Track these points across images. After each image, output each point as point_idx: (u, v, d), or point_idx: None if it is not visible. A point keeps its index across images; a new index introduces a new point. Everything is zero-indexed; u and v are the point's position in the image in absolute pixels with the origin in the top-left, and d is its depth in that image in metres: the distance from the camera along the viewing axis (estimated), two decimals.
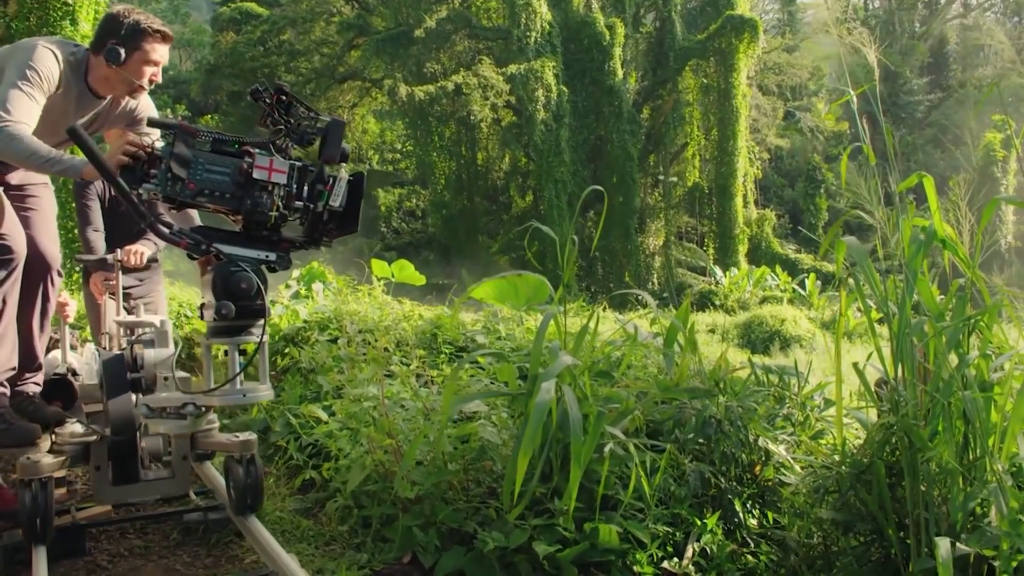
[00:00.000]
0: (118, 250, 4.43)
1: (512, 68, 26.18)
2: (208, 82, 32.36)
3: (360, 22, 29.79)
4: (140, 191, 2.60)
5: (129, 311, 4.44)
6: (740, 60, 29.87)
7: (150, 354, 3.05)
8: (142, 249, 4.52)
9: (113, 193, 4.83)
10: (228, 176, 2.60)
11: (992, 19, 46.56)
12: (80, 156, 2.89)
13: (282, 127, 2.66)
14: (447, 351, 5.78)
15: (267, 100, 2.62)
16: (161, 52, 3.22)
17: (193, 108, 32.34)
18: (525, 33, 26.62)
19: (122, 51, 3.09)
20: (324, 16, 31.10)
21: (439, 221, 29.76)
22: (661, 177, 32.47)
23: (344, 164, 2.79)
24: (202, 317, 2.78)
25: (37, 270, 3.37)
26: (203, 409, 2.91)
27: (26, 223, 3.34)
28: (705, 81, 30.96)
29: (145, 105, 3.54)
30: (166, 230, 2.58)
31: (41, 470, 2.97)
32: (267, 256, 2.69)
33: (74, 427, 3.24)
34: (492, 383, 4.38)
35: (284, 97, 2.63)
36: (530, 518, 3.19)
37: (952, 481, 2.74)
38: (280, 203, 2.64)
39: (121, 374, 3.14)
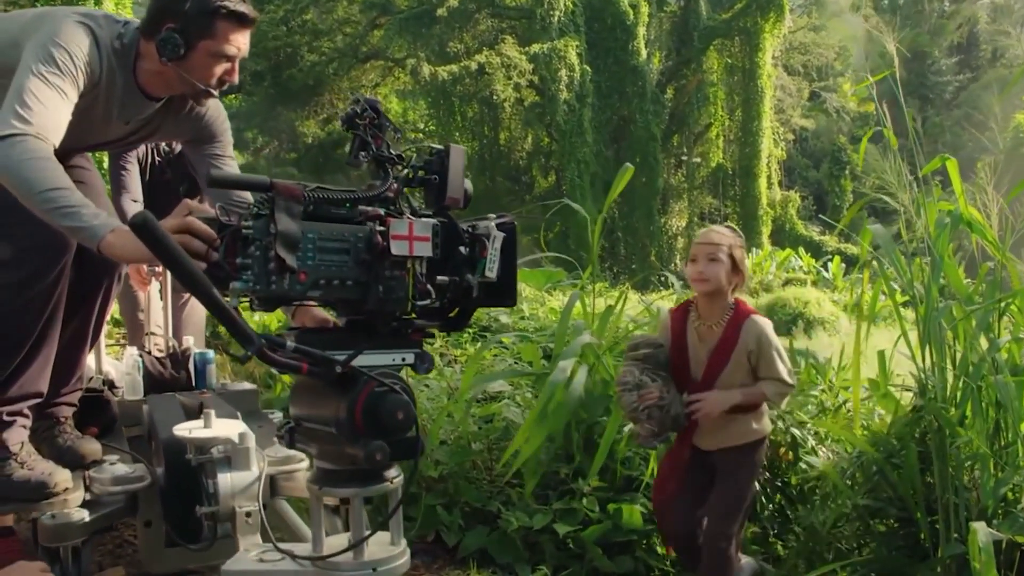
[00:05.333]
0: None
1: (535, 48, 26.01)
2: None
3: (383, 1, 29.67)
4: (227, 294, 1.66)
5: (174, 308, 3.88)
6: (765, 40, 29.54)
7: (226, 481, 2.15)
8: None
9: (158, 159, 4.12)
10: (348, 254, 1.72)
11: None
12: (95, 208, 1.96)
13: (403, 168, 1.84)
14: (470, 330, 5.78)
15: (363, 125, 1.79)
16: (239, 41, 2.29)
17: None
18: (548, 12, 26.43)
19: (182, 41, 2.19)
20: None
21: None
22: (684, 158, 32.27)
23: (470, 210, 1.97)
24: (291, 443, 1.88)
25: (97, 264, 2.46)
26: None
27: None
28: (730, 61, 30.65)
29: (216, 112, 2.56)
30: (277, 355, 1.62)
31: (72, 533, 2.24)
32: (403, 359, 1.85)
33: (115, 467, 2.39)
34: (516, 363, 4.39)
35: (376, 117, 1.81)
36: (553, 498, 3.19)
37: (983, 466, 2.72)
38: (423, 282, 1.79)
39: (173, 405, 2.58)
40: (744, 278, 2.81)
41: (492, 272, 1.85)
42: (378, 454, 1.69)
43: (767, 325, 2.75)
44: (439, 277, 1.82)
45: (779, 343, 2.75)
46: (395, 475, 1.85)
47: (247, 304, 1.71)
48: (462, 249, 1.84)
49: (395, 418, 1.70)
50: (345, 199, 1.76)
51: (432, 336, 1.96)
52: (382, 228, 1.73)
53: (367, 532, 1.82)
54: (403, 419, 1.71)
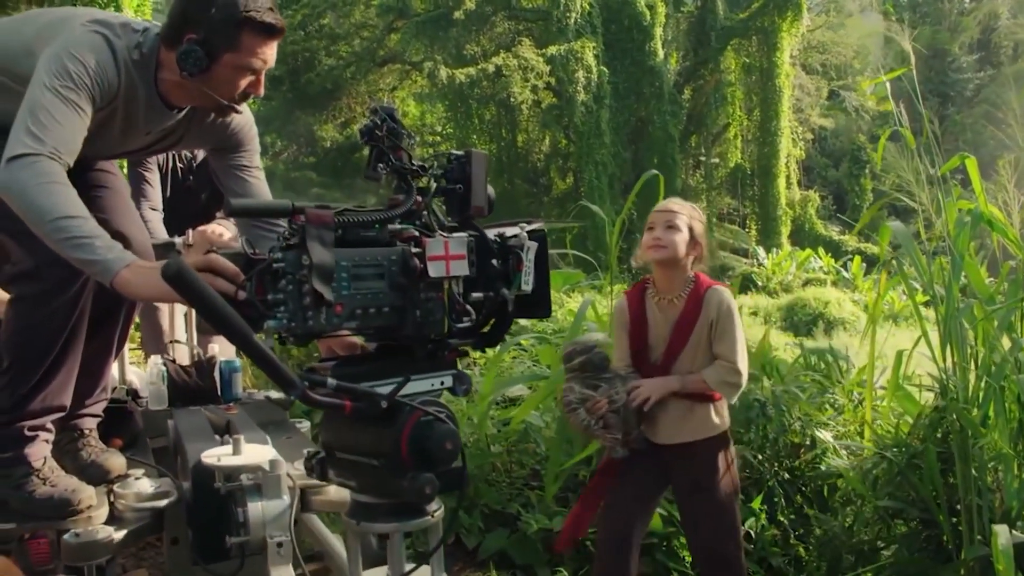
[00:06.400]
0: (189, 231, 3.48)
1: (552, 49, 26.02)
2: None
3: (399, 4, 29.75)
4: (260, 333, 1.55)
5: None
6: (783, 39, 29.43)
7: (256, 510, 2.05)
8: (219, 230, 3.54)
9: (180, 165, 3.96)
10: (383, 279, 1.62)
11: None
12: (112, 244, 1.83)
13: (427, 178, 1.71)
14: None
15: (382, 136, 1.66)
16: (265, 54, 2.12)
17: None
18: (565, 14, 26.43)
19: (204, 53, 2.05)
20: None
21: None
22: (703, 158, 32.20)
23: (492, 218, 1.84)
24: (323, 476, 1.75)
25: None
26: None
27: (96, 205, 2.19)
28: (747, 60, 30.54)
29: (243, 120, 2.41)
30: (319, 395, 1.52)
31: (97, 552, 2.12)
32: (442, 382, 1.76)
33: (140, 483, 2.34)
34: (534, 365, 4.39)
35: (394, 126, 1.68)
36: (573, 500, 3.19)
37: (1006, 467, 2.69)
38: (460, 302, 1.69)
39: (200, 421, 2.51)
40: (703, 251, 2.62)
41: (528, 285, 1.76)
42: (428, 487, 1.58)
43: (730, 296, 2.58)
44: (474, 294, 1.71)
45: (740, 323, 2.57)
46: (436, 508, 1.72)
47: (277, 339, 1.60)
48: (494, 262, 1.74)
49: (444, 449, 1.59)
50: (374, 220, 1.63)
51: (467, 355, 1.90)
52: (417, 249, 1.62)
53: (408, 568, 1.69)
54: (451, 449, 1.60)
